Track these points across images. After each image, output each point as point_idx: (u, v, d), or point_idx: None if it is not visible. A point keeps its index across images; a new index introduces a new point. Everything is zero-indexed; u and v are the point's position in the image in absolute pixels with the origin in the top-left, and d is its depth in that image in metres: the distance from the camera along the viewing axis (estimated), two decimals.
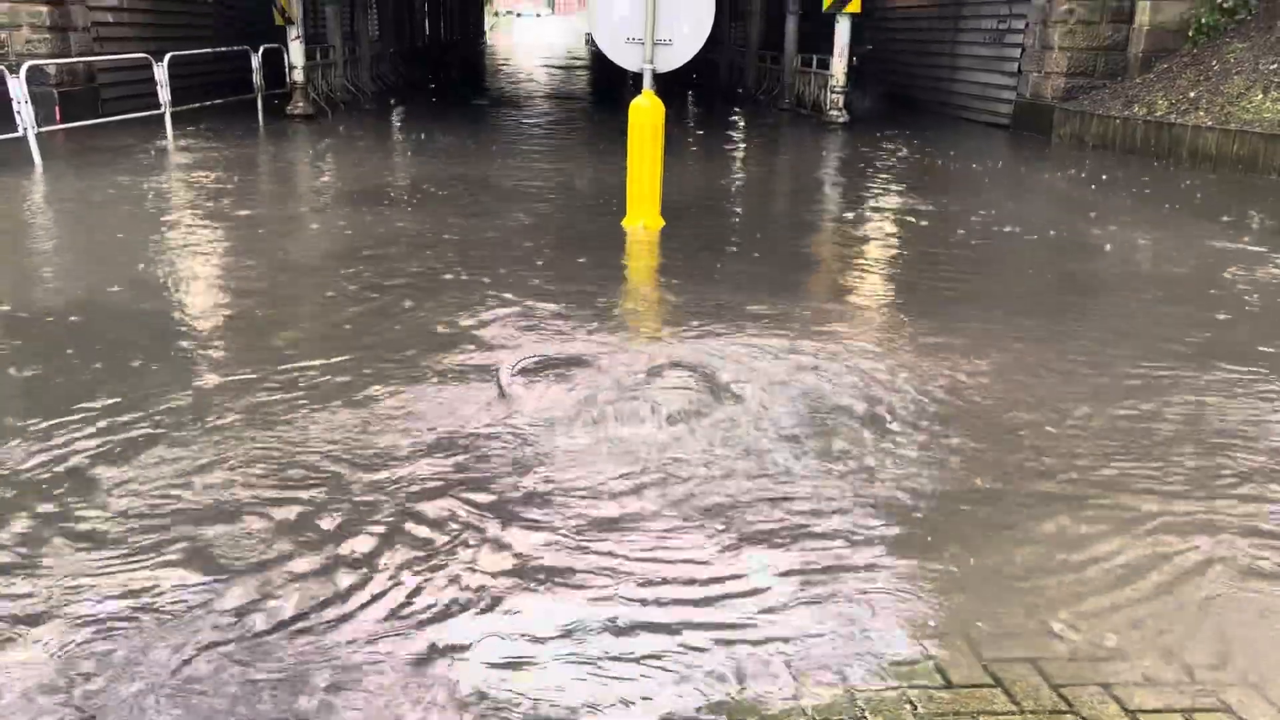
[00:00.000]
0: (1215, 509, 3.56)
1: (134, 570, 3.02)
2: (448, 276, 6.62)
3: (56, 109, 13.39)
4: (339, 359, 4.90)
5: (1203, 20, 14.25)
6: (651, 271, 7.44)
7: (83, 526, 3.27)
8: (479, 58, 43.49)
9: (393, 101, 20.52)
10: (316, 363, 4.84)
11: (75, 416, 4.14)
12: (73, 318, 5.54)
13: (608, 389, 4.48)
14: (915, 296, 6.47)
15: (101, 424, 4.07)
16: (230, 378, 4.63)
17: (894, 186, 11.15)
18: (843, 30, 16.68)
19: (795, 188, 11.65)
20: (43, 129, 12.06)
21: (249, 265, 6.91)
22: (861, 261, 7.73)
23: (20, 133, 10.63)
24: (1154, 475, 3.82)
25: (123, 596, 2.88)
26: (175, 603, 2.86)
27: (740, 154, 14.18)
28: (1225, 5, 14.20)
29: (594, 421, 4.14)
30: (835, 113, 17.03)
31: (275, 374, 4.68)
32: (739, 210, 9.77)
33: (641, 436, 4.01)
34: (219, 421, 4.11)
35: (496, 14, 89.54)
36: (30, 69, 12.30)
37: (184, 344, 5.20)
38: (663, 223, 8.29)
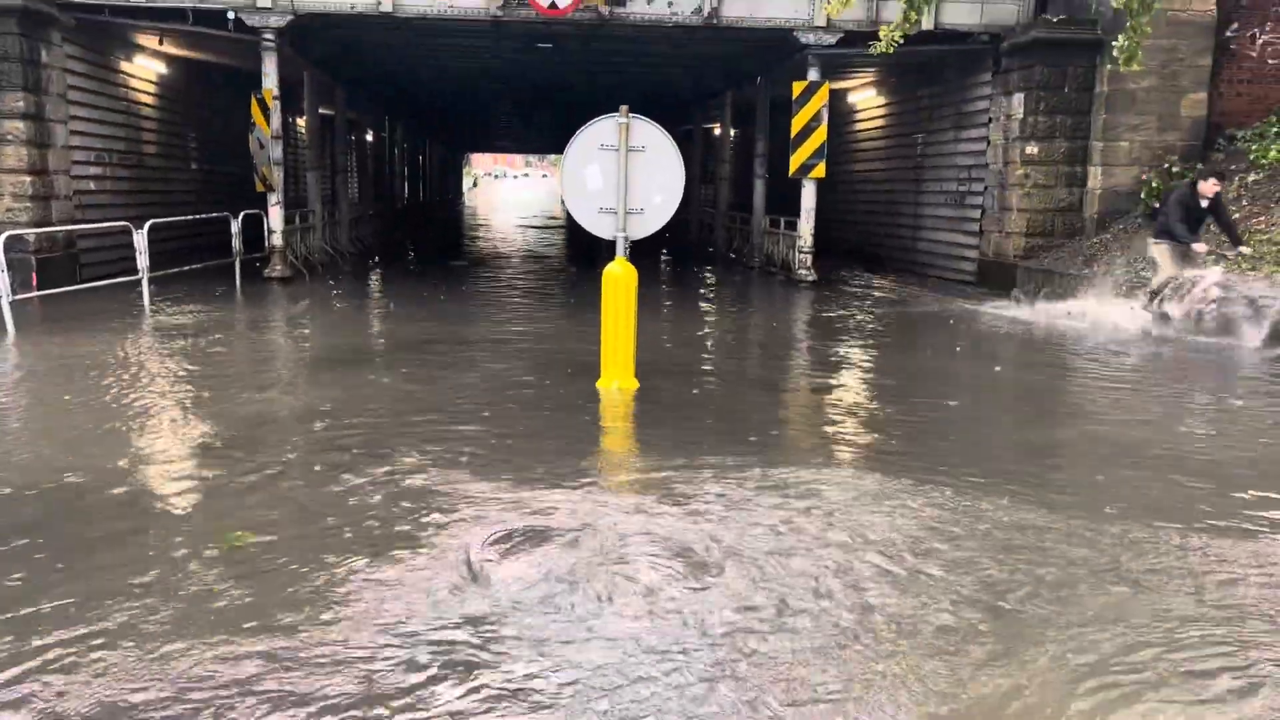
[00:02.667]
0: None
1: None
2: (415, 440, 6.54)
3: (34, 275, 13.48)
4: (293, 537, 4.76)
5: (1154, 184, 14.87)
6: (626, 434, 7.40)
7: None
8: (458, 219, 44.67)
9: (371, 263, 20.88)
10: (268, 539, 4.70)
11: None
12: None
13: (581, 566, 4.36)
14: (892, 461, 6.44)
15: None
16: (173, 576, 4.47)
17: (864, 345, 11.32)
18: (809, 193, 17.27)
19: (767, 347, 11.79)
20: (18, 296, 12.12)
21: (206, 438, 6.81)
22: (838, 424, 7.74)
23: None
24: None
25: None
26: None
27: (712, 313, 14.41)
28: (1174, 170, 14.86)
29: (566, 608, 4.00)
30: (804, 271, 17.44)
31: (217, 566, 4.53)
32: (712, 370, 9.83)
33: (614, 627, 3.87)
34: (147, 628, 3.94)
35: (475, 177, 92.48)
36: (11, 238, 12.46)
37: (130, 533, 5.05)
38: (637, 384, 8.31)
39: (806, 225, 17.44)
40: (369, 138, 30.14)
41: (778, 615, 3.96)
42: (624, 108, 7.90)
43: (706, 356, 10.65)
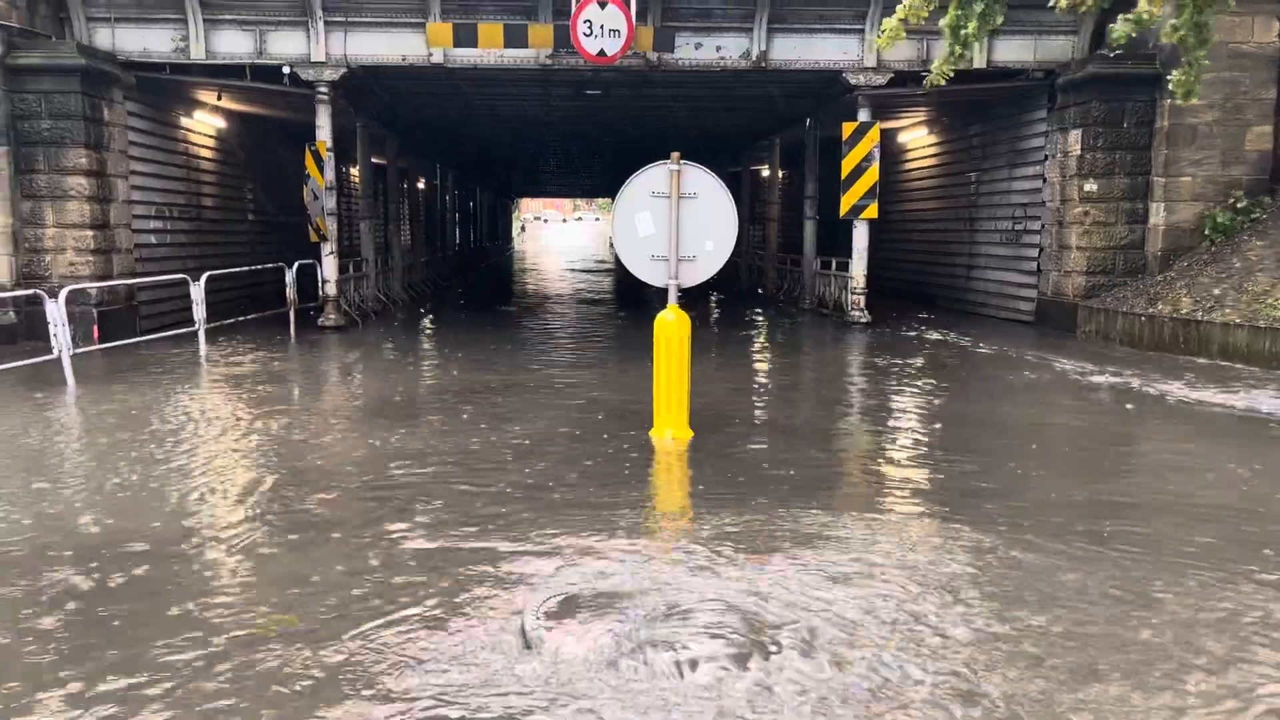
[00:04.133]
0: None
1: None
2: (462, 493, 6.43)
3: (95, 329, 13.73)
4: (342, 598, 4.65)
5: (1218, 220, 14.46)
6: (680, 488, 7.22)
7: None
8: (508, 263, 45.06)
9: (423, 309, 21.02)
10: (316, 608, 4.59)
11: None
12: (57, 570, 5.35)
13: (638, 634, 4.18)
14: (961, 515, 6.18)
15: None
16: (222, 637, 4.38)
17: (925, 390, 11.04)
18: (861, 234, 17.07)
19: (823, 392, 11.56)
20: (81, 349, 12.33)
21: (256, 491, 6.76)
22: (900, 475, 7.49)
23: (55, 354, 10.81)
24: None
25: None
26: None
27: (765, 357, 14.22)
28: (1239, 205, 14.44)
29: (622, 685, 3.82)
30: (857, 313, 17.21)
31: (262, 641, 4.42)
32: (768, 417, 9.63)
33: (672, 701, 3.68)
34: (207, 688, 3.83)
35: (524, 222, 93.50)
36: (73, 291, 12.71)
37: (174, 595, 4.97)
38: (690, 433, 8.15)
39: (859, 266, 17.22)
40: (421, 185, 30.55)
41: (842, 703, 3.75)
42: (675, 154, 7.83)
43: (761, 403, 10.45)
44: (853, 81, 16.31)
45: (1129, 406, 9.92)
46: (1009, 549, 5.38)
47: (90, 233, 14.45)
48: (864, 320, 17.03)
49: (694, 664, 3.91)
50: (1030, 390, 10.99)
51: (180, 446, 7.98)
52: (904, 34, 10.81)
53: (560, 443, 8.15)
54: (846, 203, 16.61)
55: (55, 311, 10.82)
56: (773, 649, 4.07)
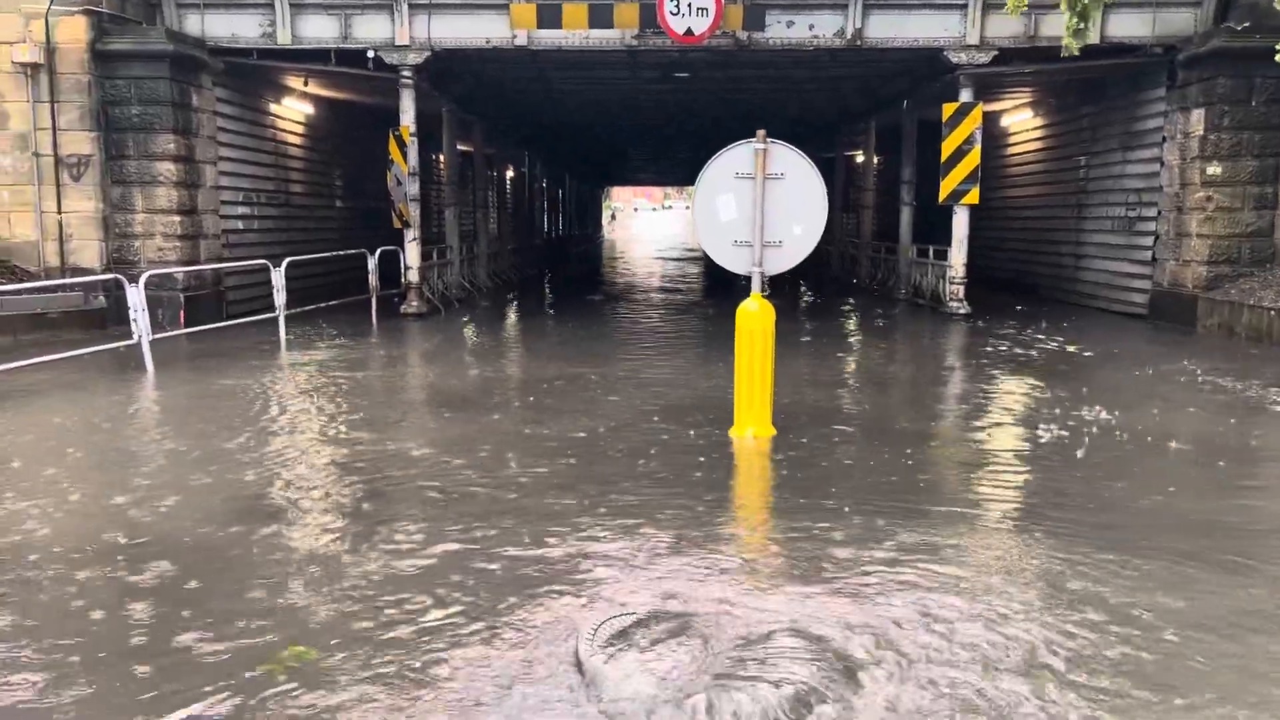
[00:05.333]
0: None
1: None
2: (531, 492, 6.02)
3: (181, 313, 13.79)
4: (390, 605, 4.27)
5: None
6: (761, 493, 6.70)
7: None
8: (596, 252, 44.84)
9: (508, 298, 20.82)
10: (355, 611, 4.22)
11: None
12: (119, 556, 5.10)
13: (709, 668, 3.70)
14: (1096, 538, 5.53)
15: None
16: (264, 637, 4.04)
17: (1029, 388, 10.26)
18: (960, 220, 16.22)
19: (919, 388, 10.82)
20: (169, 332, 12.37)
21: (322, 482, 6.47)
22: (1008, 483, 6.84)
23: (135, 339, 10.80)
24: None
25: None
26: None
27: (857, 351, 13.54)
28: None
29: None
30: (955, 304, 16.36)
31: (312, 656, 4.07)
32: (858, 416, 9.00)
33: None
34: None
35: (613, 210, 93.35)
36: (161, 276, 12.76)
37: (237, 593, 4.66)
38: (773, 432, 7.62)
39: (958, 254, 16.37)
40: (509, 173, 30.44)
41: None
42: (760, 132, 7.28)
43: (850, 400, 9.83)
44: (954, 60, 15.46)
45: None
46: (1150, 590, 4.74)
47: (178, 218, 14.53)
48: (963, 311, 16.17)
49: (778, 707, 3.41)
50: (1163, 390, 10.11)
51: (250, 432, 7.77)
52: (1026, 2, 10.06)
53: (632, 439, 7.68)
54: (946, 187, 15.77)
55: (135, 296, 10.80)
56: (866, 688, 3.55)
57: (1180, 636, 4.05)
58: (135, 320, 10.76)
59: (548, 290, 23.84)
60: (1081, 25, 10.01)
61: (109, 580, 4.70)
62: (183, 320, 13.74)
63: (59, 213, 14.09)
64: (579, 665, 3.72)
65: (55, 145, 13.96)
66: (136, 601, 4.43)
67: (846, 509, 5.78)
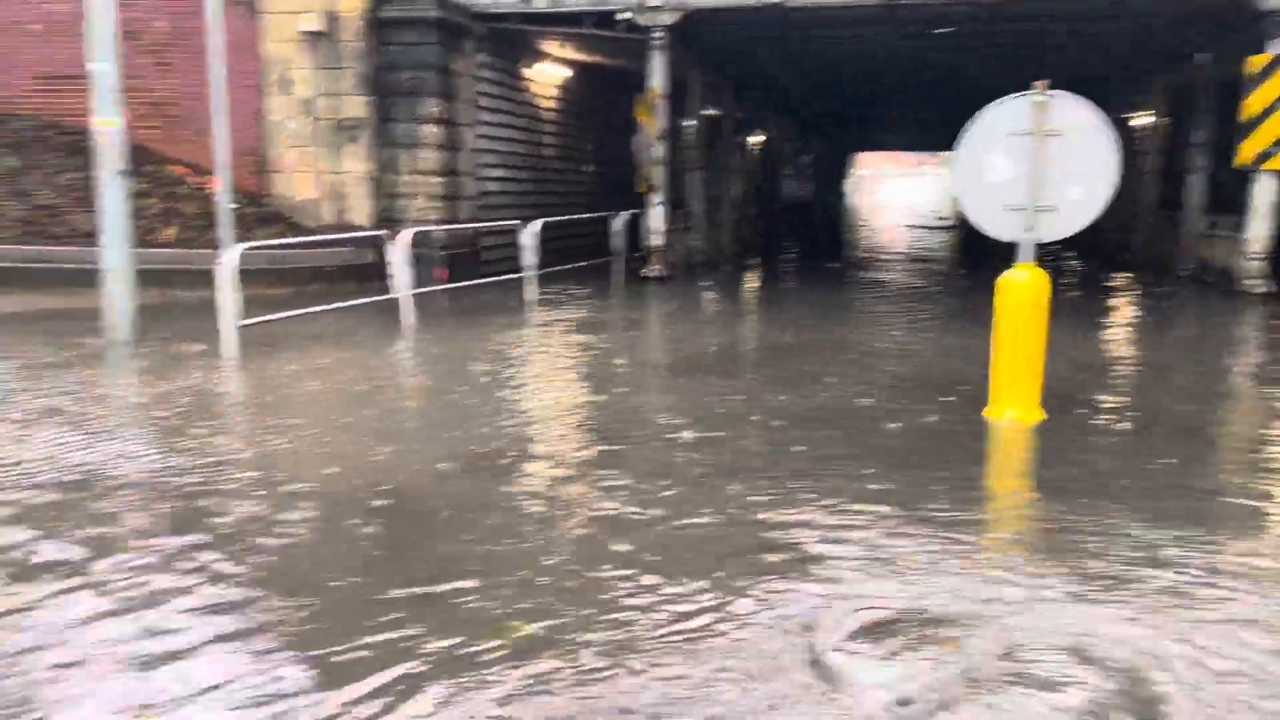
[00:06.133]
0: None
1: None
2: (760, 468, 5.73)
3: (441, 270, 14.45)
4: (614, 576, 4.13)
5: None
6: (1024, 482, 6.09)
7: None
8: (842, 219, 43.64)
9: (749, 264, 20.55)
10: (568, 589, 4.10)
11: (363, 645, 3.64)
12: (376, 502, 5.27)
13: (968, 676, 3.30)
14: None
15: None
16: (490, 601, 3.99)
17: None
18: (1264, 188, 14.33)
19: (1214, 376, 9.57)
20: (422, 289, 13.01)
21: (560, 439, 6.47)
22: None
23: (397, 293, 11.36)
24: None
25: None
26: None
27: (1133, 330, 12.28)
28: None
29: None
30: (1251, 282, 14.52)
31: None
32: (1139, 404, 8.08)
33: None
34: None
35: (861, 176, 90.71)
36: (421, 234, 13.39)
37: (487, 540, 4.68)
38: (1042, 415, 6.92)
39: (1259, 226, 14.49)
40: (753, 137, 30.01)
41: None
42: (1041, 83, 6.56)
43: (1128, 385, 8.87)
44: (1262, 7, 13.61)
45: None
46: None
47: (439, 179, 15.19)
48: (1260, 290, 14.33)
49: None
50: None
51: (502, 383, 7.96)
52: None
53: (874, 416, 7.20)
54: (1248, 150, 13.96)
55: (397, 253, 11.35)
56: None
57: None
58: (396, 275, 11.32)
59: (790, 256, 23.35)
60: None
61: (355, 506, 4.85)
62: (442, 276, 14.40)
63: (335, 173, 15.08)
64: (816, 661, 3.41)
65: (334, 110, 14.92)
66: (370, 525, 4.53)
67: (1132, 507, 5.10)
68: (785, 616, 3.78)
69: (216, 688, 3.25)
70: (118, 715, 3.09)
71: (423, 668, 3.38)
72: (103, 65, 9.63)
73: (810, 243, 27.93)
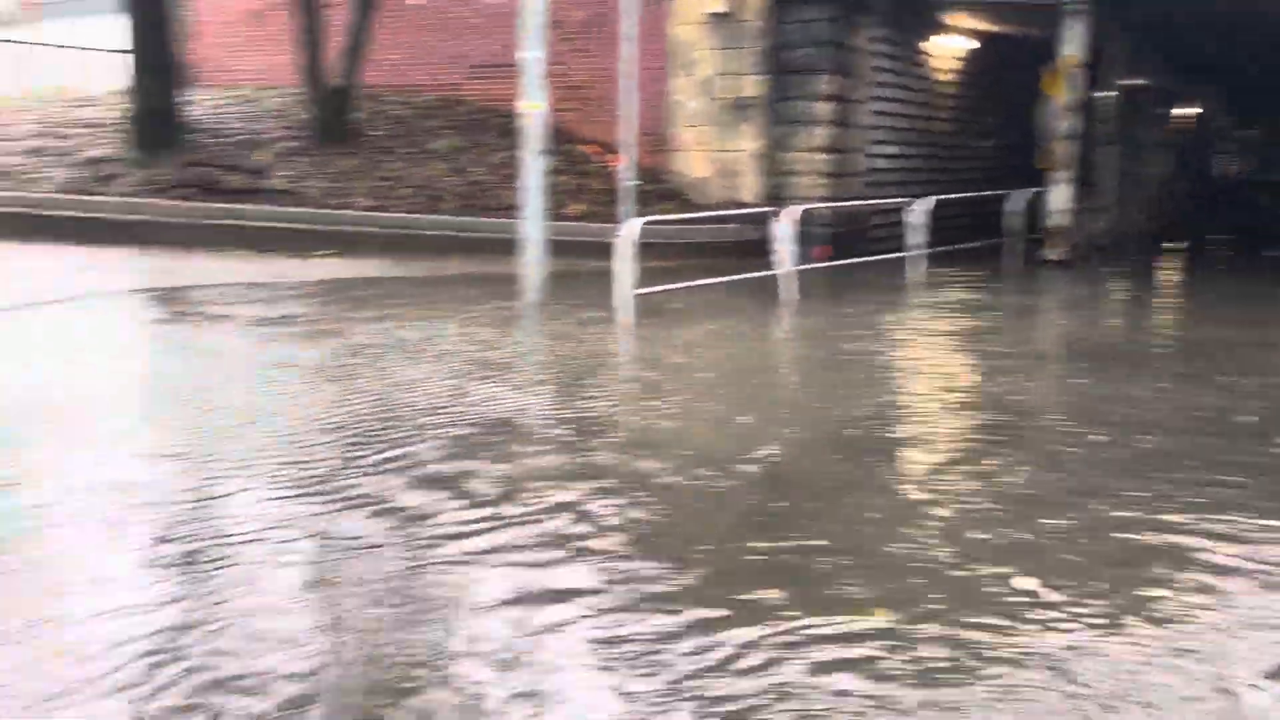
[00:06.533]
0: None
1: None
2: (1162, 469, 5.13)
3: (823, 249, 14.42)
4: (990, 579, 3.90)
5: None
6: None
7: None
8: None
9: (1170, 247, 18.49)
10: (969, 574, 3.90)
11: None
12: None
13: None
14: None
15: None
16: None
17: None
18: None
19: None
20: (807, 266, 13.06)
21: (942, 423, 6.23)
22: None
23: (781, 269, 11.51)
24: None
25: None
26: None
27: None
28: None
29: None
30: None
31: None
32: None
33: None
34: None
35: None
36: (807, 211, 13.44)
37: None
38: None
39: None
40: (1178, 110, 26.81)
41: None
42: None
43: None
44: None
45: None
46: None
47: (828, 157, 15.15)
48: None
49: None
50: None
51: (866, 364, 7.86)
52: None
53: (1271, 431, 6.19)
54: None
55: (783, 229, 11.48)
56: None
57: None
58: (780, 251, 11.46)
59: (1216, 241, 20.66)
60: None
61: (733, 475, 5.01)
62: (826, 254, 14.36)
63: (727, 151, 15.54)
64: (1230, 692, 3.01)
65: (731, 90, 15.35)
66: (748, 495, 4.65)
67: None
68: (1185, 638, 3.38)
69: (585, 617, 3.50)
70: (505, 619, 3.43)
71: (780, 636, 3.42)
72: (533, 53, 10.60)
73: (1244, 226, 24.53)
